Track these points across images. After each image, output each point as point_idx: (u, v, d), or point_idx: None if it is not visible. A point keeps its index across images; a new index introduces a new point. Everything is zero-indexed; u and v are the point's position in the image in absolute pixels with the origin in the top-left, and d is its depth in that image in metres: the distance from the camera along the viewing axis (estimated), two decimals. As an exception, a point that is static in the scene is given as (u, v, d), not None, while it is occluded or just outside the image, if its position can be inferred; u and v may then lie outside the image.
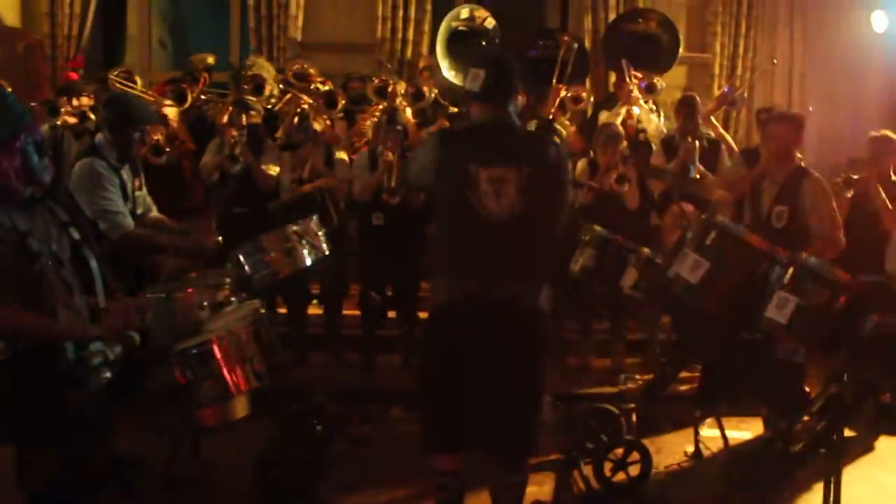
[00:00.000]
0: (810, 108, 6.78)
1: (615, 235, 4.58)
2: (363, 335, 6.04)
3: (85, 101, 6.53)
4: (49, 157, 2.82)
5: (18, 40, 7.58)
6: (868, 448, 4.93)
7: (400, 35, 8.11)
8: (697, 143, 5.98)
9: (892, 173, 5.58)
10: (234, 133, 5.97)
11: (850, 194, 5.55)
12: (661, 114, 7.00)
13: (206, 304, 3.37)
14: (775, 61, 8.17)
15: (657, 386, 4.52)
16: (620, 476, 4.14)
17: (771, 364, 3.90)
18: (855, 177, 5.58)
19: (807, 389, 4.23)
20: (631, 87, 6.78)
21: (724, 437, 4.37)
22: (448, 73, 7.26)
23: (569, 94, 6.82)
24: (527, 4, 9.42)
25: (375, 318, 6.06)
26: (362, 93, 6.95)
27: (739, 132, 8.10)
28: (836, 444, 3.54)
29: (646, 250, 4.42)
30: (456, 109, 6.97)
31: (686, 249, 3.64)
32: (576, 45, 7.10)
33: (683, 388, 5.28)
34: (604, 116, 6.85)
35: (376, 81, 6.69)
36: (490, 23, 7.41)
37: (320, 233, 4.47)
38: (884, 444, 4.98)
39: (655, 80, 6.88)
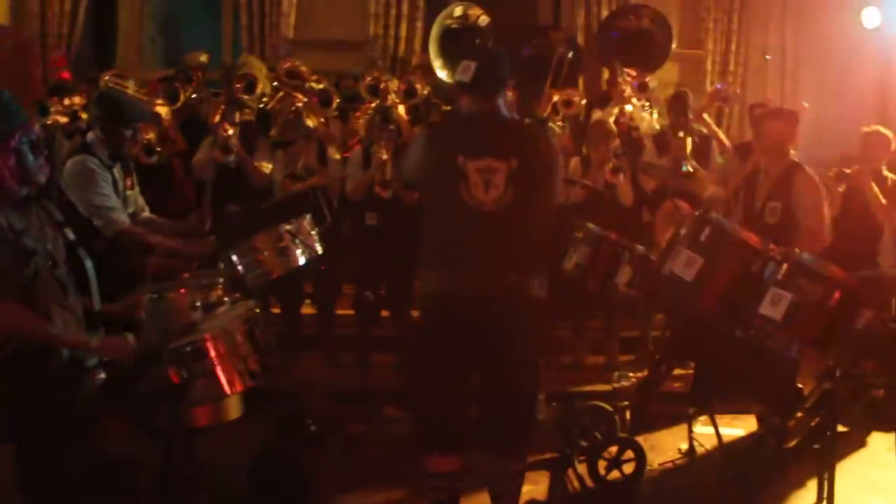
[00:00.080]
0: (805, 105, 6.78)
1: (608, 233, 4.58)
2: (357, 335, 6.03)
3: (77, 100, 6.50)
4: (44, 157, 2.81)
5: (7, 38, 7.54)
6: (860, 444, 4.95)
7: (393, 32, 8.10)
8: (689, 138, 5.99)
9: (883, 169, 5.59)
10: (228, 127, 5.95)
11: (842, 189, 5.57)
12: (654, 111, 7.00)
13: (199, 304, 3.36)
14: (768, 57, 8.18)
15: (651, 383, 4.52)
16: (615, 474, 4.14)
17: (764, 361, 3.91)
18: (847, 171, 5.59)
19: (800, 386, 4.24)
20: (624, 86, 6.78)
21: (717, 434, 4.38)
22: (441, 72, 7.24)
23: (560, 99, 6.80)
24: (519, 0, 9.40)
25: (369, 317, 6.05)
26: (355, 91, 6.93)
27: (732, 128, 8.12)
28: (829, 440, 3.55)
29: (639, 247, 4.42)
30: (448, 108, 6.95)
31: (680, 246, 3.63)
32: (570, 54, 7.07)
33: (677, 385, 5.29)
34: (597, 115, 6.85)
35: (368, 79, 6.67)
36: (484, 21, 7.39)
37: (314, 232, 4.46)
38: (876, 439, 5.00)
39: (648, 80, 6.89)
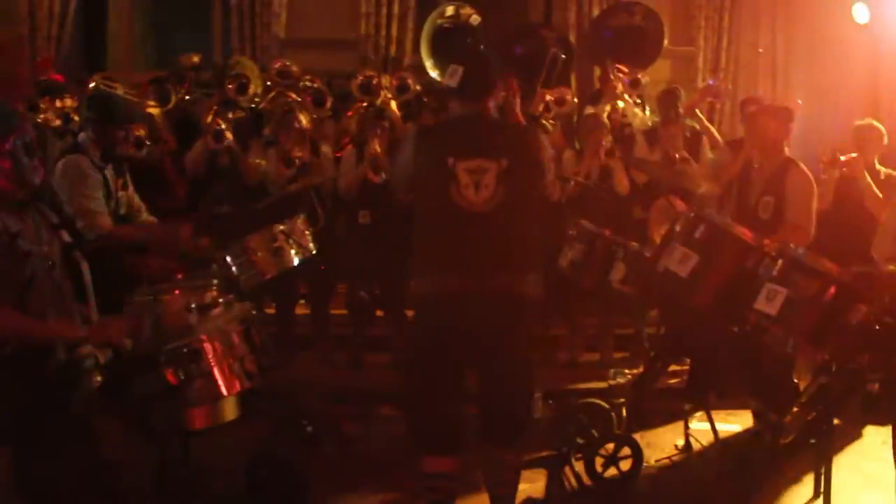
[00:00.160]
0: (799, 101, 6.79)
1: (603, 230, 4.58)
2: (352, 334, 6.02)
3: (69, 102, 6.47)
4: (38, 158, 2.80)
5: (-7, 39, 7.48)
6: (855, 437, 4.96)
7: (384, 31, 8.08)
8: (680, 132, 6.00)
9: (876, 162, 5.61)
10: (221, 121, 5.92)
11: (836, 174, 5.55)
12: (647, 108, 7.01)
13: (193, 305, 3.35)
14: (761, 50, 8.21)
15: (647, 380, 4.52)
16: (612, 471, 4.14)
17: (760, 356, 3.91)
18: (842, 157, 5.56)
19: (796, 381, 4.25)
20: (616, 82, 6.78)
21: (714, 429, 4.39)
22: (432, 71, 7.23)
23: (552, 98, 6.79)
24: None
25: (364, 317, 6.04)
26: (347, 90, 6.91)
27: (724, 124, 8.13)
28: (825, 434, 3.56)
29: (634, 244, 4.42)
30: (441, 109, 6.94)
31: (674, 243, 3.64)
32: (562, 56, 7.06)
33: (673, 381, 5.30)
34: (589, 111, 6.85)
35: (360, 78, 6.65)
36: (475, 20, 7.39)
37: (307, 232, 4.45)
38: (871, 433, 5.01)
39: (640, 77, 6.89)
